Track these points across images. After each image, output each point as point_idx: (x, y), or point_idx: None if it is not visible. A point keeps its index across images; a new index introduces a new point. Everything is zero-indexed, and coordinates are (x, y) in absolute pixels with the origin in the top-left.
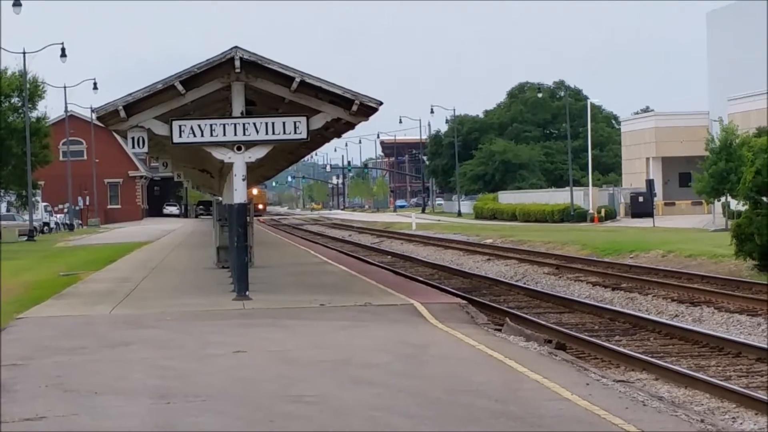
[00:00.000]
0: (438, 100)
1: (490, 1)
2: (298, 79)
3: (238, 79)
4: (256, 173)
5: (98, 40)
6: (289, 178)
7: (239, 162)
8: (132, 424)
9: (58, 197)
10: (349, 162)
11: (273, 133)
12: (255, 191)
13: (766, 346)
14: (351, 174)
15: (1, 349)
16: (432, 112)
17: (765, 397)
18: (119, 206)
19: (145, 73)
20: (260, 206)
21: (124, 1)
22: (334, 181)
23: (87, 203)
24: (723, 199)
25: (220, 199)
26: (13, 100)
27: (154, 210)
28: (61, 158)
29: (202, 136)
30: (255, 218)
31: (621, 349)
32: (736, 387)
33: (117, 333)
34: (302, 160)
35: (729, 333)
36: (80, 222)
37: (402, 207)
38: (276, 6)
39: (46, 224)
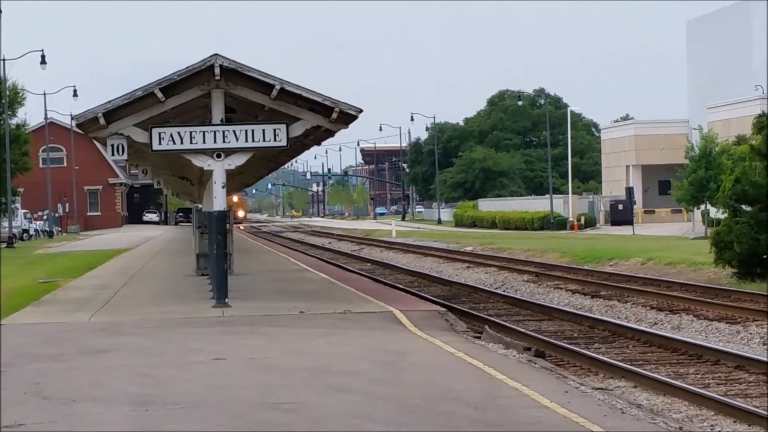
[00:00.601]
0: (418, 108)
1: (471, 10)
2: (278, 87)
3: (218, 86)
4: (236, 180)
5: (79, 47)
6: (269, 186)
7: (219, 169)
8: (111, 431)
9: (38, 204)
10: (329, 169)
11: (253, 141)
12: (235, 198)
13: (744, 354)
14: (331, 181)
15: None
16: (412, 119)
17: (744, 405)
18: (99, 213)
19: (125, 81)
20: (240, 213)
21: (105, 8)
22: (314, 188)
23: (67, 210)
24: (702, 207)
25: (200, 206)
26: None
27: (134, 217)
28: (40, 165)
29: (182, 143)
30: (235, 225)
31: (600, 356)
32: (714, 395)
33: (96, 340)
34: (282, 167)
35: (708, 341)
36: (60, 229)
37: (382, 214)
38: (257, 14)
39: (26, 231)
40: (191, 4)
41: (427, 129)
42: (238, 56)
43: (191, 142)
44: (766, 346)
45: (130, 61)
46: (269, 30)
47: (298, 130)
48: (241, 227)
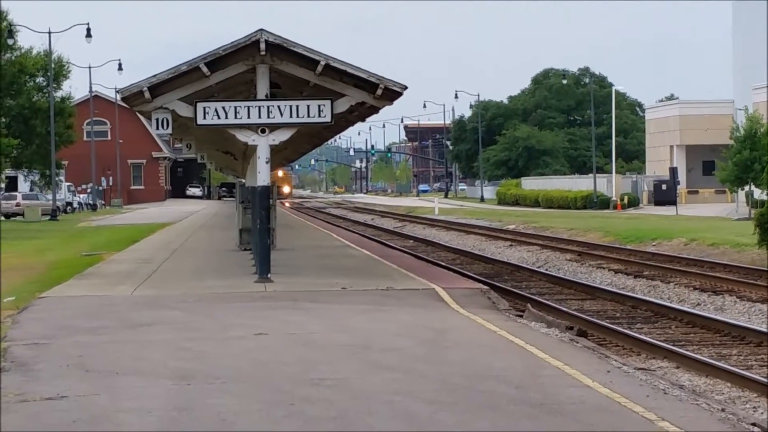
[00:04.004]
0: (463, 86)
1: None
2: (323, 63)
3: (263, 61)
4: (280, 156)
5: (124, 21)
6: (313, 162)
7: (263, 144)
8: (152, 405)
9: (82, 177)
10: (372, 146)
11: (297, 116)
12: (281, 173)
13: None
14: (374, 158)
15: (23, 328)
16: (456, 97)
17: None
18: (142, 187)
19: (170, 56)
20: (286, 189)
21: None
22: (357, 165)
23: (110, 183)
24: (747, 188)
25: (243, 181)
26: (38, 80)
27: (177, 191)
28: (85, 138)
29: (227, 118)
30: (279, 201)
31: (642, 336)
32: (757, 377)
33: (138, 314)
34: (326, 143)
35: (751, 322)
36: (103, 202)
37: (425, 191)
38: None
39: (69, 204)
40: None
41: (471, 107)
42: (283, 32)
43: (236, 117)
44: None
45: (176, 38)
46: (314, 5)
47: (342, 106)
48: (286, 203)
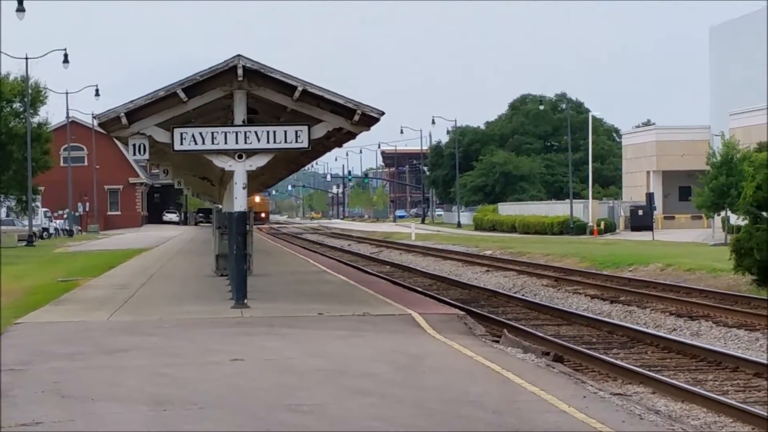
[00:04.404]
0: (440, 111)
1: (493, 14)
2: (300, 89)
3: (241, 87)
4: (257, 181)
5: (101, 46)
6: (289, 187)
7: (240, 170)
8: (128, 430)
9: (58, 203)
10: (349, 171)
11: (274, 142)
12: (258, 199)
13: (764, 361)
14: (351, 183)
15: (0, 353)
16: (433, 122)
17: (763, 413)
18: (119, 213)
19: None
20: (263, 214)
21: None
22: (334, 190)
23: (87, 209)
24: (723, 213)
25: (220, 206)
26: (14, 106)
27: (154, 217)
28: (61, 164)
29: (204, 143)
30: (256, 226)
31: (618, 362)
32: (733, 402)
33: (114, 339)
34: (303, 169)
35: (727, 347)
36: (80, 228)
37: (402, 217)
38: (278, 16)
39: (46, 230)
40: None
41: (448, 132)
42: (260, 58)
43: (213, 143)
44: None
45: (152, 63)
46: (291, 32)
47: (319, 131)
48: (263, 229)
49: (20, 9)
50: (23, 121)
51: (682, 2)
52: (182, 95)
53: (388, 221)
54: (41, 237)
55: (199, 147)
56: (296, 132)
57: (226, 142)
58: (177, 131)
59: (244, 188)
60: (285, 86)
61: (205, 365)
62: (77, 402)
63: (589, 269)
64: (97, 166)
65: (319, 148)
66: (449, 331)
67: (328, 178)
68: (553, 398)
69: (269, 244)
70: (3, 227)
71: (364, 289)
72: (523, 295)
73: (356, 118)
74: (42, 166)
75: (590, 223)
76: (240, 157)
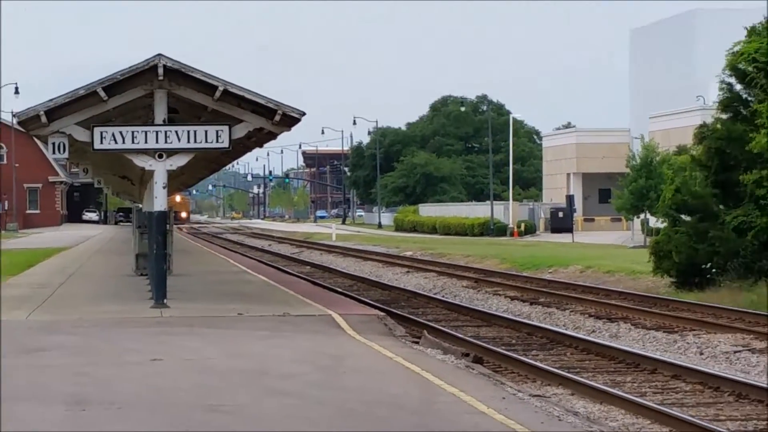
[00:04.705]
0: (361, 112)
1: (414, 16)
2: (221, 88)
3: (161, 86)
4: (177, 181)
5: (22, 45)
6: (210, 187)
7: (160, 170)
8: (46, 431)
9: None
10: (270, 172)
11: (195, 142)
12: (178, 198)
13: (682, 363)
14: (272, 184)
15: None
16: (354, 123)
17: (680, 414)
18: (38, 211)
19: (69, 80)
20: (183, 214)
21: (49, 7)
22: (255, 190)
23: (5, 208)
24: (642, 216)
25: (140, 206)
26: None
27: (74, 216)
28: None
29: (124, 143)
30: (176, 226)
31: (538, 363)
32: (651, 403)
33: (33, 339)
34: (224, 168)
35: (645, 349)
36: None
37: (322, 218)
38: (200, 18)
39: None
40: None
41: (369, 133)
42: (183, 58)
43: (133, 142)
44: (702, 356)
45: (73, 62)
46: (213, 34)
47: (240, 131)
48: (183, 229)
49: None
50: None
51: (603, 2)
52: (102, 94)
53: (308, 222)
54: None
55: (120, 146)
56: (217, 132)
57: (146, 142)
58: (97, 130)
59: (164, 188)
60: (206, 86)
61: (125, 365)
62: None
63: (510, 271)
64: (17, 165)
65: (240, 147)
66: (369, 332)
67: (249, 178)
68: (472, 399)
69: (189, 243)
70: None
71: (285, 290)
72: (443, 296)
73: (277, 118)
74: None
75: (511, 225)
76: (160, 156)
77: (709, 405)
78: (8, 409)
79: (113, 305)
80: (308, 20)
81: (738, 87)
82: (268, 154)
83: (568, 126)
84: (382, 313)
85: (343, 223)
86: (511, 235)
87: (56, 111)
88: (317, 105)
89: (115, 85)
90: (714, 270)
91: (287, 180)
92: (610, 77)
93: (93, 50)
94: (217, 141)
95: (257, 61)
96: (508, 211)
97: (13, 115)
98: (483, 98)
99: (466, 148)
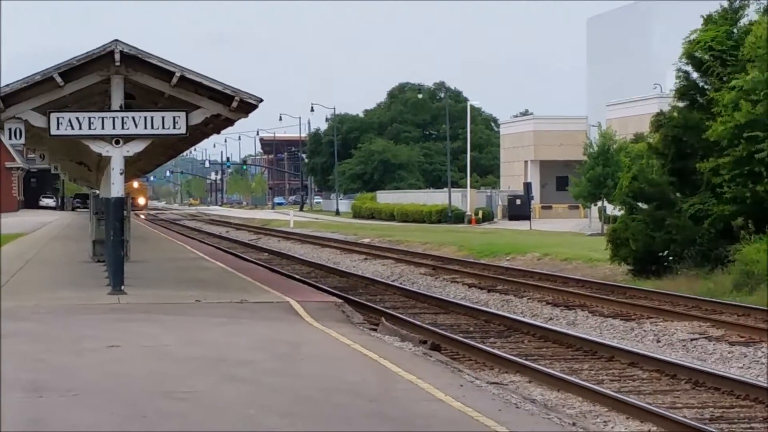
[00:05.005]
0: (319, 99)
1: (370, 2)
2: (178, 74)
3: (118, 72)
4: (135, 167)
5: None
6: (168, 173)
7: (117, 156)
8: (3, 418)
9: None
10: (227, 158)
11: (152, 128)
12: (136, 184)
13: (639, 350)
14: (229, 170)
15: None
16: (312, 110)
17: (636, 402)
18: None
19: (24, 66)
20: (140, 200)
21: None
22: (213, 177)
23: None
24: (599, 203)
25: (98, 192)
26: None
27: (31, 202)
28: None
29: (81, 128)
30: (134, 212)
31: (495, 351)
32: (608, 391)
33: None
34: (181, 155)
35: (602, 337)
36: None
37: (280, 204)
38: (156, 5)
39: None
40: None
41: (326, 120)
42: (139, 44)
43: (90, 128)
44: (659, 343)
45: (28, 49)
46: (168, 21)
47: (197, 118)
48: (141, 215)
49: None
50: None
51: None
52: (59, 80)
53: (266, 208)
54: None
55: (76, 132)
56: (174, 118)
57: (103, 128)
58: (53, 116)
59: (121, 174)
60: (163, 72)
61: (82, 352)
62: None
63: (467, 258)
64: None
65: (198, 134)
66: (327, 319)
67: (207, 164)
68: (430, 387)
69: (147, 230)
70: None
71: (243, 276)
72: (401, 283)
73: (234, 104)
74: None
75: (468, 212)
76: (117, 142)
77: (666, 392)
78: None
79: (70, 292)
80: (265, 8)
81: (695, 75)
82: (225, 141)
83: (525, 113)
84: (340, 300)
85: (301, 209)
86: (469, 222)
87: (12, 96)
88: (275, 92)
89: (71, 71)
90: (671, 258)
91: (245, 167)
92: (569, 65)
93: (44, 37)
94: (174, 127)
95: (214, 49)
96: (466, 199)
97: None
98: (440, 85)
99: (424, 135)
